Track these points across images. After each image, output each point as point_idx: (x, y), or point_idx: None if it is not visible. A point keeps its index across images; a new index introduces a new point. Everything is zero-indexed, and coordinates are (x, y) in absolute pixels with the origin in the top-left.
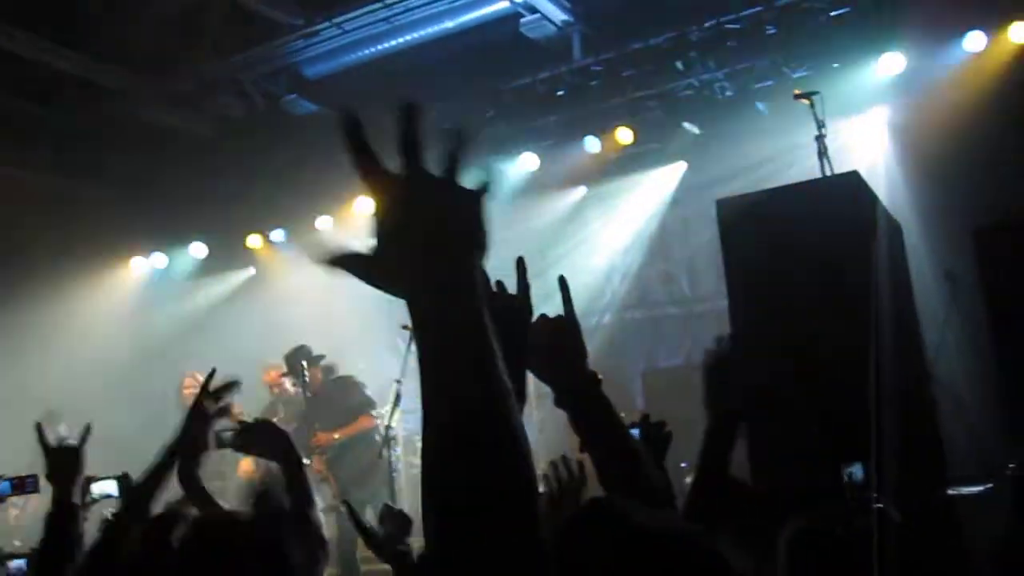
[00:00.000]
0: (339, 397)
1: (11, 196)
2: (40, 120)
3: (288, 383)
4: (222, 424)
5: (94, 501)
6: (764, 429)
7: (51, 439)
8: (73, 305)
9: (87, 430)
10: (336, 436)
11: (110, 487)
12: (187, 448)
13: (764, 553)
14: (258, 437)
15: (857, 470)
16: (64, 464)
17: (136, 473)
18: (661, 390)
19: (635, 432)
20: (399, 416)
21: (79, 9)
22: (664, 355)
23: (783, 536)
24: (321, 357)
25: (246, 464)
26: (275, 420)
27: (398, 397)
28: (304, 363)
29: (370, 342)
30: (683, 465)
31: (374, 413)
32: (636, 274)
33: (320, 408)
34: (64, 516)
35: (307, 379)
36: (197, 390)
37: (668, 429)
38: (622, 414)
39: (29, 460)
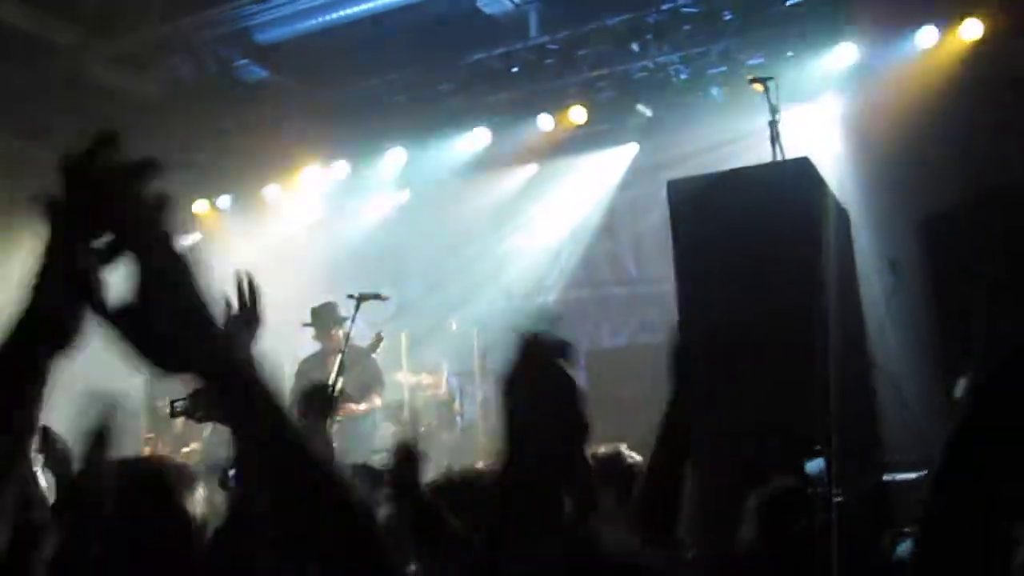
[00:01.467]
0: (358, 370)
1: None
2: None
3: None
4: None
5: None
6: (708, 417)
7: None
8: (17, 265)
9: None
10: (361, 408)
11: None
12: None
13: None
14: (209, 402)
15: (816, 464)
16: None
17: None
18: (604, 370)
19: None
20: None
21: None
22: (608, 334)
23: (751, 503)
24: (346, 319)
25: None
26: None
27: (342, 365)
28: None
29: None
30: (623, 447)
31: (381, 394)
32: (583, 253)
33: (349, 376)
34: None
35: (328, 337)
36: None
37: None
38: None
39: None
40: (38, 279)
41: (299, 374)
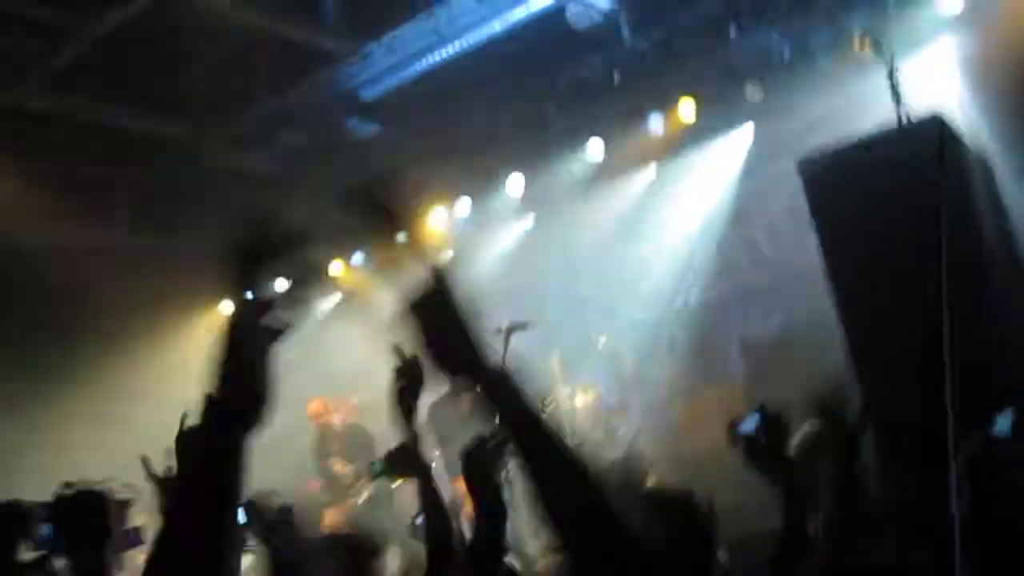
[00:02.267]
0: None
1: (97, 260)
2: (113, 180)
3: (336, 419)
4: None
5: None
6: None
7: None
8: (171, 354)
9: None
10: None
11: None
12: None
13: None
14: (400, 462)
15: (1004, 422)
16: None
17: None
18: (760, 358)
19: (751, 423)
20: None
21: (131, 67)
22: (758, 323)
23: (958, 459)
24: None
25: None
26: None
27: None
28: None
29: None
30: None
31: None
32: (718, 247)
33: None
34: None
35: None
36: (327, 414)
37: (785, 420)
38: (724, 387)
39: None
40: (225, 361)
41: (432, 416)
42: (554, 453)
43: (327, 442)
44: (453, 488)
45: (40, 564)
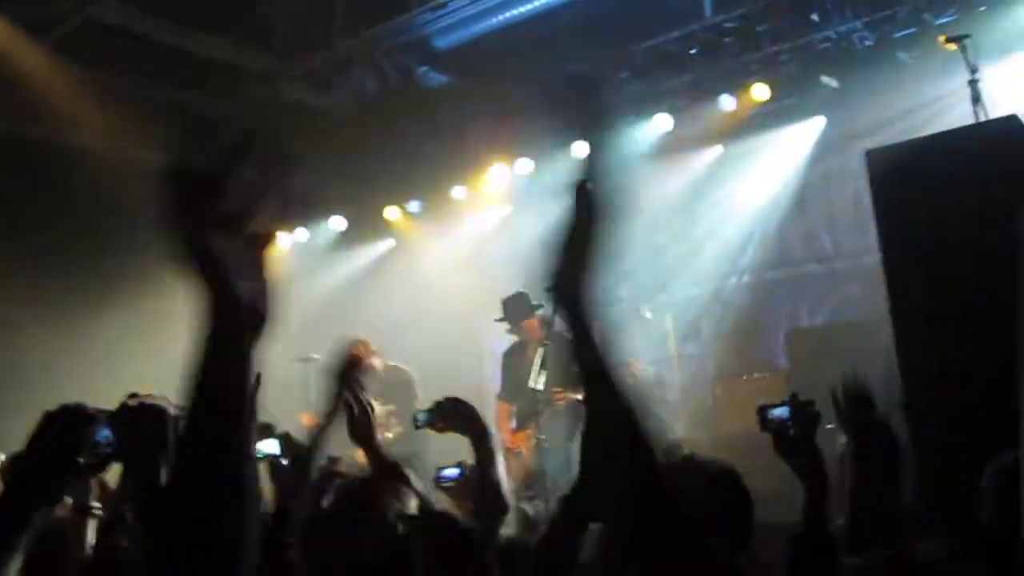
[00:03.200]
0: (560, 360)
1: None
2: (186, 106)
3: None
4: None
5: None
6: (927, 391)
7: None
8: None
9: (258, 379)
10: (579, 397)
11: (272, 446)
12: (351, 417)
13: None
14: (449, 414)
15: None
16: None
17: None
18: (805, 350)
19: (784, 410)
20: (543, 379)
21: None
22: (806, 314)
23: (991, 467)
24: (539, 306)
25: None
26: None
27: (544, 361)
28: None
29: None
30: (829, 427)
31: None
32: (776, 232)
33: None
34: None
35: (520, 329)
36: (367, 354)
37: (816, 409)
38: (766, 373)
39: None
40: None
41: (505, 367)
42: (624, 415)
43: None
44: (513, 438)
45: (100, 467)
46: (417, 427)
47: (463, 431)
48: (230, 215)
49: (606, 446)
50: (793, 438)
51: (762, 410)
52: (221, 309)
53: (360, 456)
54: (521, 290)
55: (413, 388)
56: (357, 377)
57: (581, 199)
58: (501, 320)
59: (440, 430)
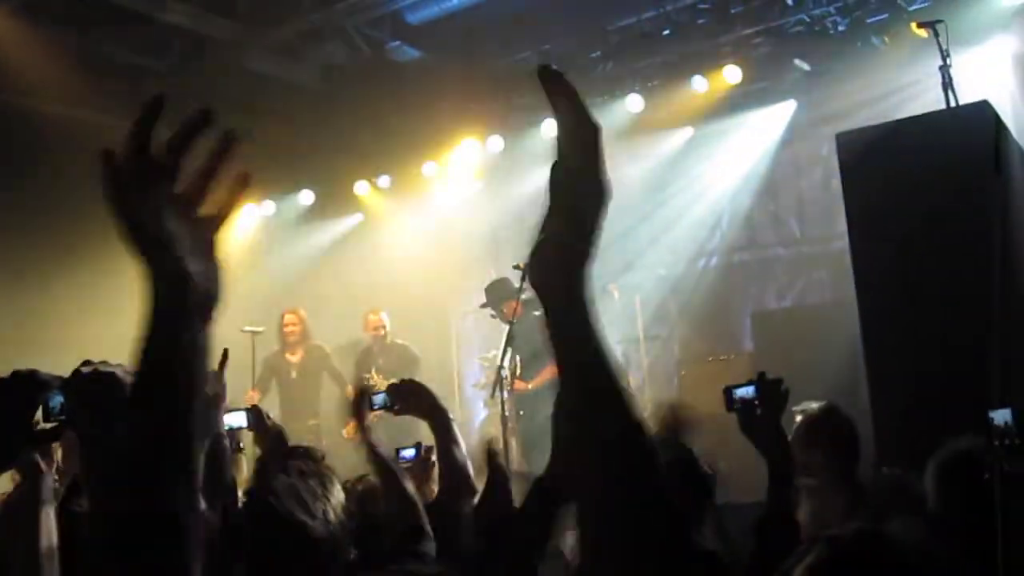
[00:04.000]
0: (534, 339)
1: (120, 145)
2: (150, 72)
3: (384, 332)
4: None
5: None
6: (888, 376)
7: None
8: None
9: (225, 355)
10: (529, 386)
11: (240, 418)
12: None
13: None
14: (407, 397)
15: (1004, 414)
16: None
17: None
18: (770, 332)
19: (750, 389)
20: (509, 357)
21: None
22: (773, 297)
23: (933, 463)
24: (522, 290)
25: None
26: (373, 370)
27: (511, 337)
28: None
29: (475, 286)
30: (793, 409)
31: None
32: (744, 215)
33: (519, 350)
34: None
35: (503, 313)
36: (299, 327)
37: (785, 387)
38: (731, 355)
39: None
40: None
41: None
42: (609, 391)
43: (372, 356)
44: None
45: (52, 433)
46: (373, 409)
47: (421, 415)
48: (182, 196)
49: (601, 434)
50: (759, 417)
51: (728, 391)
52: (168, 290)
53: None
54: (503, 277)
55: (416, 364)
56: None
57: (565, 180)
58: (484, 306)
59: (397, 412)
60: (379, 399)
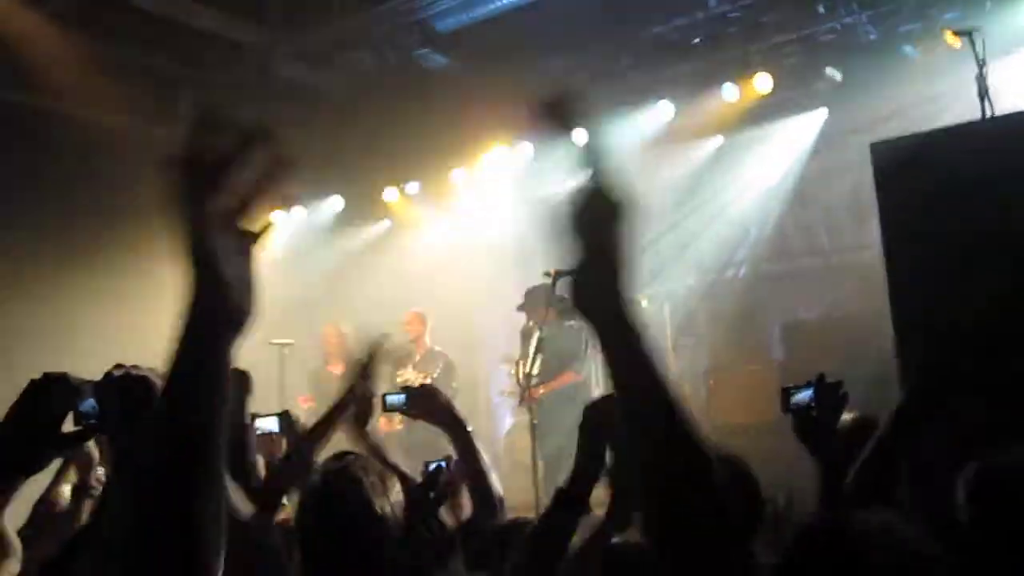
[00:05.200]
0: (555, 347)
1: (151, 151)
2: (180, 78)
3: (426, 334)
4: (388, 388)
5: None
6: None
7: None
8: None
9: (247, 379)
10: (541, 391)
11: (272, 423)
12: (358, 407)
13: None
14: (424, 402)
15: None
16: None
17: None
18: (801, 343)
19: (808, 393)
20: (538, 363)
21: None
22: (802, 307)
23: (964, 474)
24: (561, 299)
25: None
26: (410, 366)
27: (539, 346)
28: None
29: (504, 294)
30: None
31: (579, 369)
32: (774, 224)
33: (544, 356)
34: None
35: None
36: (339, 341)
37: (844, 391)
38: (761, 365)
39: None
40: (198, 272)
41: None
42: (663, 408)
43: (410, 354)
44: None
45: (82, 437)
46: (386, 409)
47: (439, 423)
48: (228, 208)
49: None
50: (815, 420)
51: (785, 391)
52: (207, 302)
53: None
54: (542, 283)
55: (454, 373)
56: (372, 371)
57: (594, 199)
58: (521, 308)
59: (413, 416)
60: (395, 399)
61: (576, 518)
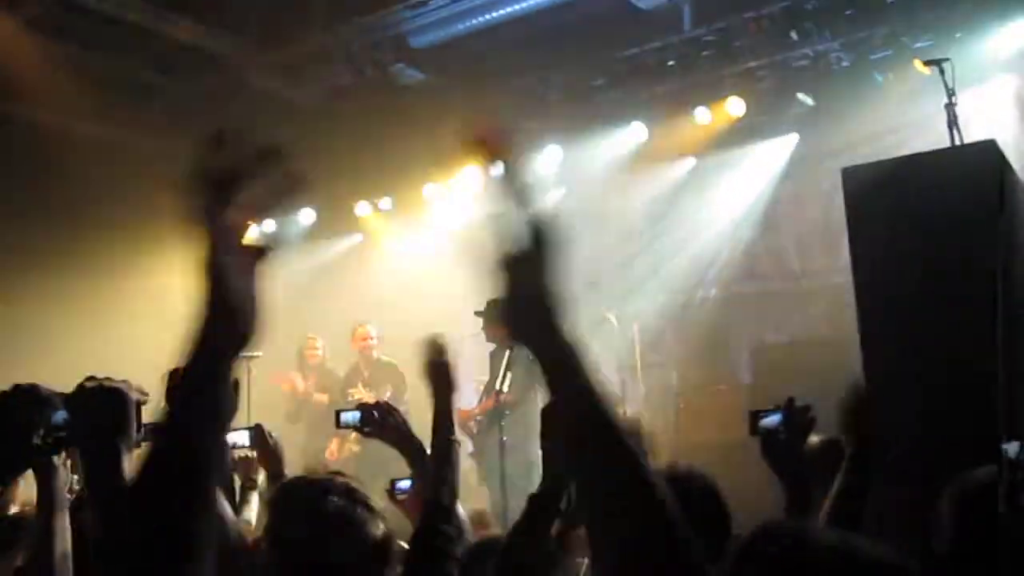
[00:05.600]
0: (524, 365)
1: (125, 160)
2: (156, 87)
3: (371, 344)
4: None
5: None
6: (894, 414)
7: None
8: (178, 264)
9: (236, 386)
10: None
11: (242, 437)
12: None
13: None
14: (377, 423)
15: (1015, 447)
16: None
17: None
18: (769, 365)
19: (776, 417)
20: (508, 382)
21: None
22: (771, 330)
23: (951, 492)
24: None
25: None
26: (360, 384)
27: (509, 363)
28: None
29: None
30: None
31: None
32: (744, 248)
33: (512, 374)
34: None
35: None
36: (317, 352)
37: (813, 414)
38: (730, 386)
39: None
40: (209, 288)
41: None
42: (610, 439)
43: (359, 370)
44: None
45: (52, 448)
46: (339, 427)
47: (394, 445)
48: (238, 225)
49: (596, 462)
50: (783, 443)
51: (754, 415)
52: (216, 317)
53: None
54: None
55: (404, 387)
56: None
57: (520, 231)
58: (478, 314)
59: (366, 435)
60: (349, 416)
61: (550, 524)
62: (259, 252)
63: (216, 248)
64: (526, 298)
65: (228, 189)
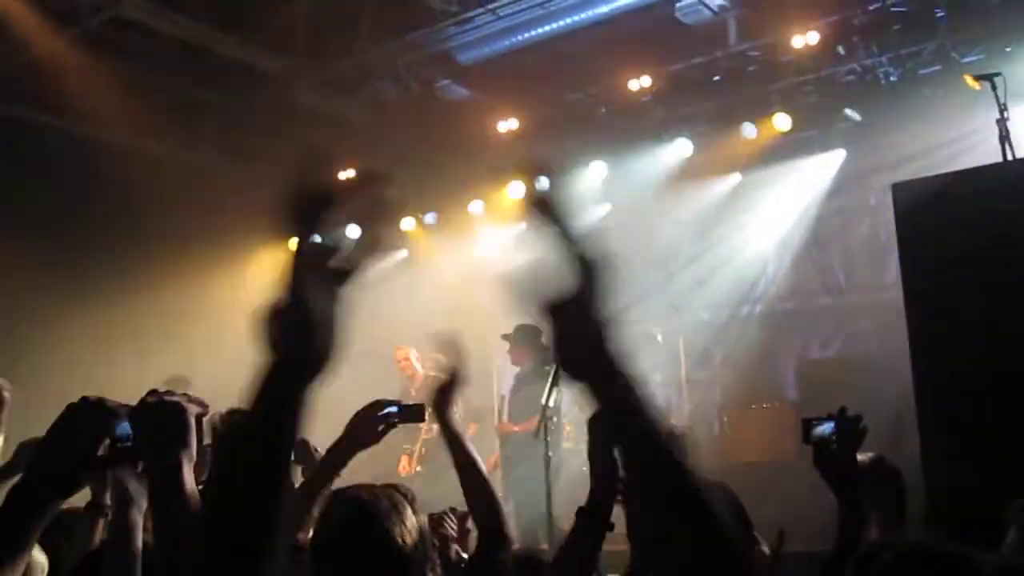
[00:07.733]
0: (531, 389)
1: (176, 174)
2: (205, 104)
3: (418, 366)
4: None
5: None
6: (941, 429)
7: None
8: (229, 281)
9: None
10: (516, 429)
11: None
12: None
13: None
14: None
15: None
16: None
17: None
18: (816, 382)
19: (829, 426)
20: (556, 396)
21: None
22: (817, 347)
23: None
24: (546, 348)
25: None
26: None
27: (556, 376)
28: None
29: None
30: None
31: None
32: (791, 263)
33: (516, 394)
34: None
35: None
36: (408, 362)
37: (864, 424)
38: (775, 403)
39: None
40: (288, 309)
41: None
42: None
43: (407, 391)
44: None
45: (116, 460)
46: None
47: (444, 424)
48: (325, 248)
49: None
50: (834, 453)
51: (807, 423)
52: (294, 342)
53: None
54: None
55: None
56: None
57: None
58: (505, 338)
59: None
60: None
61: (600, 539)
62: (342, 275)
63: (301, 269)
64: (579, 339)
65: (320, 211)
